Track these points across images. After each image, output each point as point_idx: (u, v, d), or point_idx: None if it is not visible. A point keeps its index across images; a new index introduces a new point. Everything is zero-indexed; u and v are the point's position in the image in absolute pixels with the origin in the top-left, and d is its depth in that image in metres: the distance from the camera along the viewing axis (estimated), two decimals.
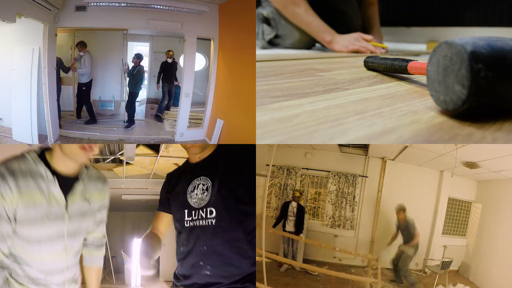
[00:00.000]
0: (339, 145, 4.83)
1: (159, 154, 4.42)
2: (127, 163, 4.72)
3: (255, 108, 1.15)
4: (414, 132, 0.97)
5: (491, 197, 4.66)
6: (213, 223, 1.15)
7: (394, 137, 0.95)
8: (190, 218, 1.18)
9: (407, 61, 1.49)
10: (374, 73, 1.74)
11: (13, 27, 3.67)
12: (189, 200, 1.20)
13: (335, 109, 1.14)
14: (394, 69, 1.58)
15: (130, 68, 4.92)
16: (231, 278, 1.14)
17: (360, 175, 5.04)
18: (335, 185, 5.07)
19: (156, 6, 3.82)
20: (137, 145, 4.26)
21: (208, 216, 1.15)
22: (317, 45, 3.31)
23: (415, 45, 4.34)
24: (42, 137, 3.92)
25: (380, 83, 1.54)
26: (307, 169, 5.15)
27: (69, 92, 4.97)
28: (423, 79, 1.50)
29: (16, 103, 3.85)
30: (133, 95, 4.91)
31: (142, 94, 6.66)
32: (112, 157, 4.72)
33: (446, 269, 4.23)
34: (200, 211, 1.16)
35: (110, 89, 5.72)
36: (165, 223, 1.33)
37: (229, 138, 3.89)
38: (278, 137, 0.94)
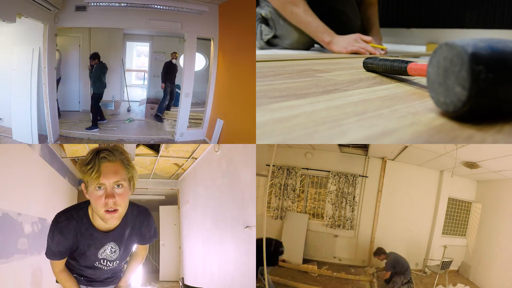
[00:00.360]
0: (339, 145, 4.83)
1: (159, 154, 4.42)
2: None
3: (255, 108, 1.15)
4: (414, 134, 0.97)
5: (491, 197, 4.66)
6: (117, 263, 1.48)
7: (394, 138, 0.94)
8: (100, 264, 1.44)
9: (407, 62, 1.48)
10: (373, 74, 1.73)
11: (13, 27, 3.67)
12: (99, 256, 1.40)
13: (334, 110, 1.13)
14: (393, 70, 1.57)
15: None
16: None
17: (360, 175, 5.04)
18: (335, 185, 5.07)
19: (156, 6, 3.82)
20: (137, 145, 4.26)
21: (116, 264, 1.47)
22: (316, 45, 3.30)
23: (415, 46, 4.34)
24: (42, 137, 3.92)
25: (379, 84, 1.53)
26: (307, 169, 5.14)
27: None
28: (422, 80, 1.50)
29: (16, 103, 3.85)
30: (94, 96, 4.76)
31: (142, 94, 6.66)
32: None
33: (446, 269, 4.23)
34: (109, 262, 1.44)
35: (110, 89, 5.72)
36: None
37: (229, 138, 3.89)
38: (277, 137, 0.94)
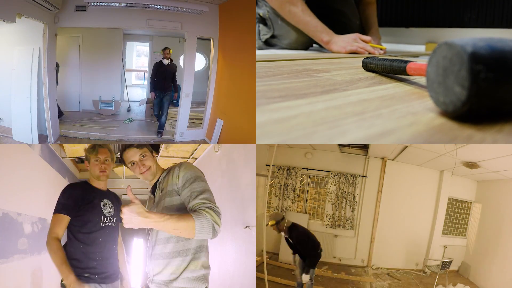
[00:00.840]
0: (339, 145, 4.83)
1: (159, 154, 4.41)
2: None
3: (255, 108, 1.15)
4: (413, 134, 0.97)
5: (491, 197, 4.66)
6: (115, 224, 1.94)
7: (393, 138, 0.94)
8: (104, 222, 1.88)
9: (406, 62, 1.48)
10: (372, 74, 1.73)
11: (13, 27, 3.67)
12: (102, 210, 1.90)
13: (333, 110, 1.13)
14: (392, 70, 1.57)
15: None
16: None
17: (360, 175, 5.03)
18: (335, 185, 5.07)
19: (156, 6, 3.82)
20: None
21: (114, 221, 1.93)
22: (315, 45, 3.29)
23: (414, 46, 4.33)
24: (42, 137, 3.92)
25: (378, 84, 1.53)
26: (307, 169, 5.14)
27: None
28: (422, 80, 1.50)
29: (16, 103, 3.85)
30: None
31: (142, 94, 6.66)
32: None
33: (446, 269, 4.23)
34: (110, 218, 1.92)
35: (110, 89, 5.71)
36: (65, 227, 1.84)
37: (229, 138, 3.89)
38: (276, 138, 0.94)
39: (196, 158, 4.66)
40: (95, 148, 1.94)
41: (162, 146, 4.25)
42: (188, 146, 4.30)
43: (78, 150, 4.12)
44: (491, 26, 3.90)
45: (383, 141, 0.93)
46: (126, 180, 5.34)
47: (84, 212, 1.82)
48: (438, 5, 4.32)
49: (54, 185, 3.66)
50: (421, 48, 4.24)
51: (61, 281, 1.75)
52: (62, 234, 1.79)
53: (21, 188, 2.81)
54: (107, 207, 1.92)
